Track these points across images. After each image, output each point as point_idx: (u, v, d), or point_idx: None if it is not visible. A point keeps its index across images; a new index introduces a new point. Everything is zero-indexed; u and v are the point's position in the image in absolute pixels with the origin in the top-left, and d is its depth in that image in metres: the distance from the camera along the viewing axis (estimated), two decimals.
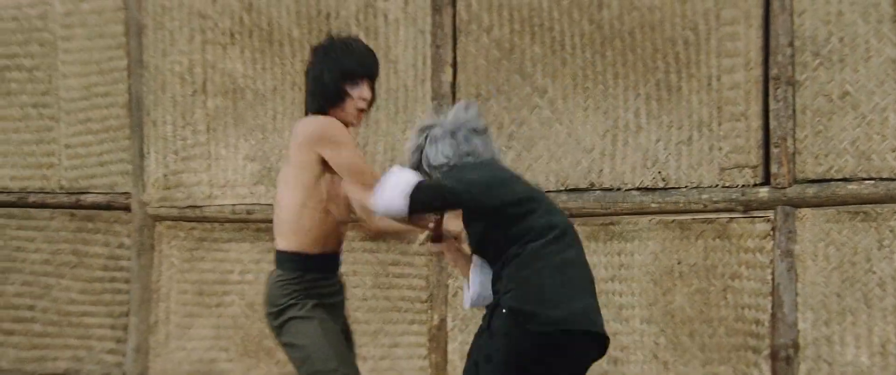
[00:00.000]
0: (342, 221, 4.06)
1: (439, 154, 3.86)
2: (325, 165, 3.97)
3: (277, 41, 5.97)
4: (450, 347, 5.69)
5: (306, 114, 4.08)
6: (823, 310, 5.12)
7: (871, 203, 5.06)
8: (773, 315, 5.15)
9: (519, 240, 3.74)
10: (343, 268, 4.17)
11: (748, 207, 5.21)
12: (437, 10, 5.67)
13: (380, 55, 5.36)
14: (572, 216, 5.32)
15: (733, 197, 5.22)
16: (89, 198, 6.41)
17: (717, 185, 5.26)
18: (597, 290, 3.79)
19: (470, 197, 3.74)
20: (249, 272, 6.10)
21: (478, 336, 3.75)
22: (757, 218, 5.20)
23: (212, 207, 6.13)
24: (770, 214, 5.17)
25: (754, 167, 5.19)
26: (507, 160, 5.52)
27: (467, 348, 3.81)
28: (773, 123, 5.15)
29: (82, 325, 6.42)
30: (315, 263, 4.01)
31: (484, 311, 3.78)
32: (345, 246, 4.18)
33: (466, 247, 3.94)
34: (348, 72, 4.01)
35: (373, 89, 4.08)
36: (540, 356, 3.65)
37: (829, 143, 5.09)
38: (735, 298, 5.24)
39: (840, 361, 5.09)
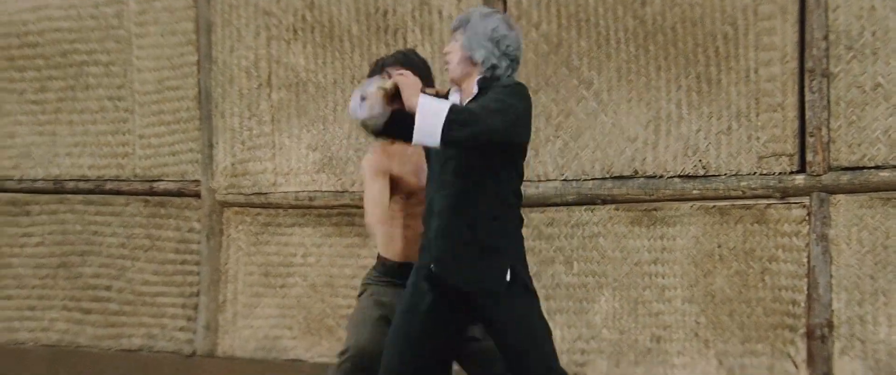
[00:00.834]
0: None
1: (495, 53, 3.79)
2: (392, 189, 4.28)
3: (338, 37, 6.00)
4: None
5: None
6: (857, 291, 5.12)
7: None
8: (809, 296, 5.15)
9: (518, 193, 3.81)
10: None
11: (785, 193, 5.21)
12: (488, 5, 5.46)
13: (435, 50, 5.56)
14: (617, 202, 5.39)
15: (770, 184, 5.22)
16: (162, 186, 6.47)
17: (755, 173, 5.25)
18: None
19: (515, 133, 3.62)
20: (311, 255, 6.13)
21: (506, 306, 3.70)
22: (793, 204, 5.20)
23: (276, 194, 6.16)
24: (806, 200, 5.17)
25: (791, 155, 5.18)
26: (555, 149, 5.54)
27: None
28: (808, 113, 5.13)
29: (155, 304, 6.50)
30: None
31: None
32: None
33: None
34: None
35: None
36: None
37: (862, 133, 5.06)
38: (772, 280, 5.24)
39: (872, 339, 5.09)
